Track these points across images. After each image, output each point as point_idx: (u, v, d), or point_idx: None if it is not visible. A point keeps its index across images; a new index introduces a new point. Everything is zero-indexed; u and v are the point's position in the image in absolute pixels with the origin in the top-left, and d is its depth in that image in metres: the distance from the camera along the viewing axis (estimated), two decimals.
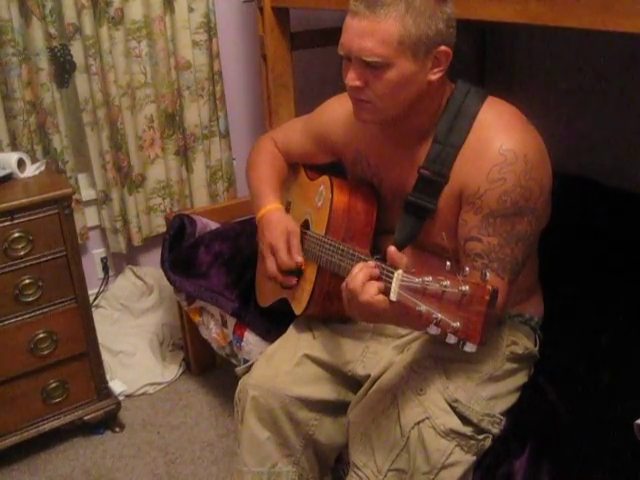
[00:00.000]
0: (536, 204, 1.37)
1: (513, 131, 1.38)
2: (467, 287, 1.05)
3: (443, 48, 1.35)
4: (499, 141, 1.36)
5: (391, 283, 1.18)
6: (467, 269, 1.09)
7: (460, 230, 1.41)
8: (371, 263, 1.26)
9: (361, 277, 1.24)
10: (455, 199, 1.43)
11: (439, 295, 1.08)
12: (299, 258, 1.63)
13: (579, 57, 2.55)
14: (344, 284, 1.28)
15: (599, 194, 2.40)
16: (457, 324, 1.05)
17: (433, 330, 1.09)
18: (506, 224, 1.35)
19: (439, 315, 1.07)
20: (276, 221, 1.67)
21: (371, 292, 1.21)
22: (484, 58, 2.93)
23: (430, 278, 1.10)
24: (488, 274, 1.06)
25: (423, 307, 1.10)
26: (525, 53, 2.80)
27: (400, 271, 1.17)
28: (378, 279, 1.24)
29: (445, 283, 1.08)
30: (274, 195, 1.75)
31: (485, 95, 1.45)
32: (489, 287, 1.04)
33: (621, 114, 2.47)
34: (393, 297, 1.17)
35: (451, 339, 1.07)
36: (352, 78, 1.38)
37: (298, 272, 1.68)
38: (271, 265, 1.67)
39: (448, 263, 1.11)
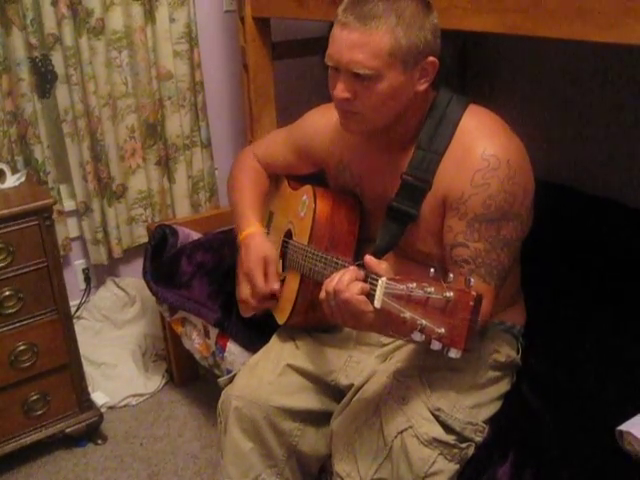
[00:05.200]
0: (520, 209, 1.38)
1: (495, 137, 1.39)
2: (451, 293, 1.06)
3: (431, 59, 1.36)
4: (482, 147, 1.37)
5: (375, 290, 1.18)
6: (451, 275, 1.09)
7: (446, 236, 1.42)
8: (354, 271, 1.26)
9: (347, 278, 1.23)
10: (438, 205, 1.44)
11: (423, 302, 1.09)
12: (275, 285, 1.66)
13: (559, 66, 2.57)
14: (326, 284, 1.27)
15: (580, 202, 2.42)
16: (442, 330, 1.05)
17: (417, 336, 1.09)
18: (491, 229, 1.36)
19: (423, 321, 1.07)
20: (254, 247, 1.68)
21: (353, 290, 1.21)
22: (465, 66, 2.96)
23: (414, 285, 1.10)
24: (472, 280, 1.07)
25: (407, 314, 1.10)
26: (506, 62, 2.82)
27: (384, 278, 1.17)
28: (363, 282, 1.24)
29: (429, 289, 1.08)
30: (254, 216, 1.76)
31: (467, 102, 1.47)
32: (473, 293, 1.04)
33: (602, 122, 2.49)
34: (377, 304, 1.17)
35: (435, 345, 1.07)
36: (341, 90, 1.37)
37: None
38: (244, 291, 1.70)
39: (432, 269, 1.11)
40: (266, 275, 1.66)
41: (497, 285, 1.39)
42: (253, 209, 1.77)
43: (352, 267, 1.27)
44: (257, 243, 1.69)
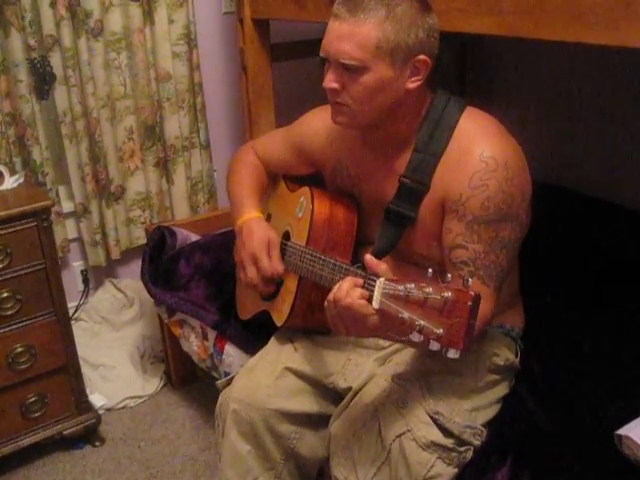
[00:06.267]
0: (518, 210, 1.38)
1: (493, 139, 1.39)
2: (450, 293, 1.05)
3: (422, 57, 1.36)
4: (479, 148, 1.37)
5: (373, 291, 1.18)
6: (449, 275, 1.09)
7: (445, 239, 1.42)
8: (352, 278, 1.26)
9: (345, 285, 1.23)
10: (436, 208, 1.43)
11: (422, 302, 1.08)
12: (280, 267, 1.63)
13: (558, 68, 2.57)
14: (328, 296, 1.27)
15: (578, 204, 2.41)
16: (440, 331, 1.05)
17: (416, 337, 1.08)
18: (490, 230, 1.36)
19: (422, 322, 1.07)
20: (257, 230, 1.67)
21: (353, 296, 1.21)
22: (465, 69, 2.95)
23: (412, 285, 1.10)
24: (470, 280, 1.07)
25: (406, 314, 1.09)
26: (505, 64, 2.82)
27: (382, 279, 1.17)
28: (362, 288, 1.23)
29: (427, 290, 1.08)
30: (254, 204, 1.75)
31: (464, 105, 1.47)
32: (471, 293, 1.04)
33: (601, 124, 2.49)
34: (375, 305, 1.17)
35: (434, 346, 1.07)
36: (330, 80, 1.39)
37: (278, 283, 1.69)
38: (252, 273, 1.65)
39: (430, 270, 1.11)
40: (270, 257, 1.64)
41: (496, 287, 1.39)
42: (252, 198, 1.76)
43: (350, 276, 1.27)
44: (260, 226, 1.68)
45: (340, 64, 1.36)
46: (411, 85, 1.39)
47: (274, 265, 1.63)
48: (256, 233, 1.66)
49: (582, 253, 2.19)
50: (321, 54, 1.40)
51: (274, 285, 1.69)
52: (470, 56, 2.94)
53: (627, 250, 2.15)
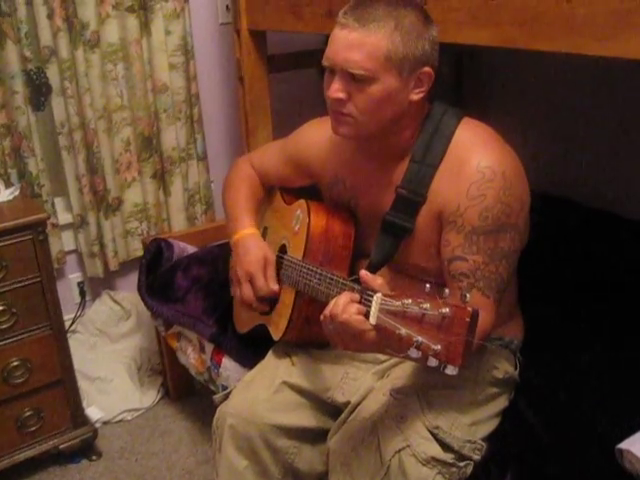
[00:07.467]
0: (517, 220, 1.37)
1: (490, 149, 1.39)
2: (447, 309, 1.04)
3: (427, 69, 1.36)
4: (476, 159, 1.36)
5: (370, 307, 1.17)
6: (447, 291, 1.08)
7: (443, 251, 1.41)
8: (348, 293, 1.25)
9: (342, 301, 1.22)
10: (433, 218, 1.43)
11: (419, 318, 1.07)
12: (275, 286, 1.64)
13: (556, 79, 2.56)
14: (325, 311, 1.26)
15: (577, 215, 2.41)
16: (438, 347, 1.04)
17: (414, 353, 1.07)
18: (489, 241, 1.35)
19: (419, 338, 1.06)
20: (253, 247, 1.67)
21: (350, 311, 1.20)
22: (462, 80, 2.95)
23: (410, 301, 1.09)
24: (468, 295, 1.05)
25: (403, 330, 1.08)
26: (502, 75, 2.81)
27: (379, 294, 1.16)
28: (359, 303, 1.22)
29: (425, 305, 1.07)
30: (250, 219, 1.74)
31: (461, 115, 1.46)
32: (469, 309, 1.03)
33: (599, 134, 2.48)
34: (372, 320, 1.15)
35: (432, 362, 1.05)
36: (336, 90, 1.37)
37: (273, 301, 1.69)
38: (247, 292, 1.66)
39: (428, 285, 1.09)
40: (266, 277, 1.65)
41: (496, 298, 1.38)
42: (248, 212, 1.76)
43: (346, 292, 1.26)
44: (256, 244, 1.68)
45: (347, 74, 1.35)
46: (415, 97, 1.38)
47: (270, 284, 1.64)
48: (252, 251, 1.66)
49: (581, 264, 2.18)
50: (325, 63, 1.39)
51: (268, 304, 1.69)
52: (467, 67, 2.94)
53: (627, 261, 2.14)
